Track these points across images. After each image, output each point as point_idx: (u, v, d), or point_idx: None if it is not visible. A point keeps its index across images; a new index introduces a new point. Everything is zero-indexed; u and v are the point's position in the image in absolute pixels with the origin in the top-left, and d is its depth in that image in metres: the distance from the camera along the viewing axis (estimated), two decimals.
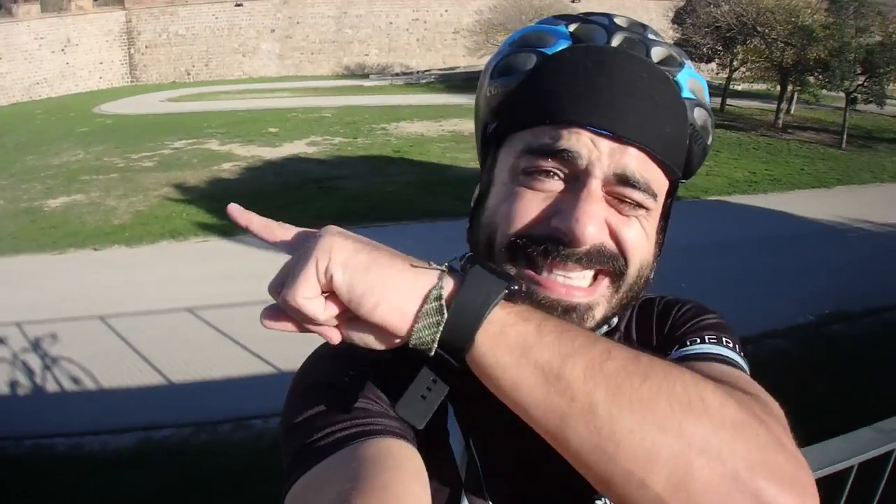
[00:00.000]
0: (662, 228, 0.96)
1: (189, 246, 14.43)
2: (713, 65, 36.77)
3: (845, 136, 26.08)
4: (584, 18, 0.91)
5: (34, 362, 9.33)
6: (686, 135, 0.89)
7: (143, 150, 23.89)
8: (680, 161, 0.90)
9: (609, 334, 1.04)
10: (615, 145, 0.83)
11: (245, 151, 23.59)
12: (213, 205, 17.02)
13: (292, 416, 0.84)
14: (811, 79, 28.29)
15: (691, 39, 33.29)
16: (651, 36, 0.90)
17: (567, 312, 0.85)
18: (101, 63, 46.91)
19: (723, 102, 33.50)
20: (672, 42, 0.94)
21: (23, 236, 15.01)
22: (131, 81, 48.27)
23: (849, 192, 20.05)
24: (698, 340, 1.04)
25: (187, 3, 47.97)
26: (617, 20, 0.91)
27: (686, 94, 0.89)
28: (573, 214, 0.81)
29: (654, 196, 0.87)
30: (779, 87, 30.09)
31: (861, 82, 26.33)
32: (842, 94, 27.07)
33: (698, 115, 0.90)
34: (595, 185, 0.83)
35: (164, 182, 19.60)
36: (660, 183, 0.88)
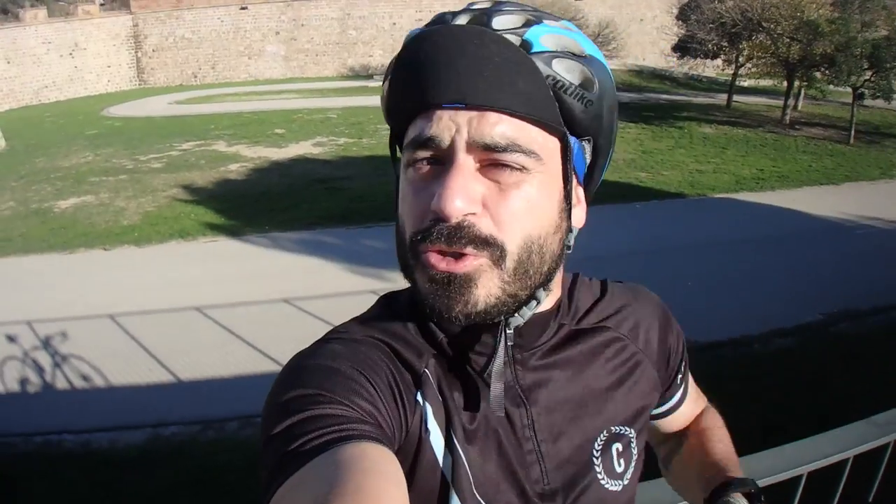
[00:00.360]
0: (567, 194, 0.95)
1: (197, 246, 14.47)
2: (719, 61, 36.60)
3: (853, 132, 25.81)
4: (450, 12, 0.94)
5: (44, 360, 9.38)
6: (546, 88, 0.88)
7: (152, 152, 23.94)
8: (552, 116, 0.89)
9: (588, 333, 1.10)
10: (472, 115, 0.85)
11: (252, 152, 23.61)
12: (220, 205, 17.11)
13: (269, 429, 0.82)
14: (818, 74, 27.99)
15: (696, 36, 33.16)
16: (503, 8, 0.91)
17: (449, 284, 0.87)
18: (108, 66, 47.00)
19: (729, 99, 33.41)
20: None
21: (33, 237, 15.07)
22: (139, 84, 48.33)
23: (857, 188, 19.92)
24: (684, 371, 1.27)
25: (193, 7, 48.02)
26: (478, 4, 0.93)
27: (538, 48, 0.88)
28: (440, 192, 0.84)
29: (531, 154, 0.87)
30: (785, 83, 29.81)
31: (868, 77, 25.98)
32: (849, 90, 26.85)
33: (563, 67, 0.89)
34: (460, 160, 0.85)
35: (173, 183, 19.64)
36: (539, 141, 0.88)
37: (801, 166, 21.87)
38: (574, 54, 0.91)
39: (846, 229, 15.22)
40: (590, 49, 0.94)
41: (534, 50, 0.88)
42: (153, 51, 48.36)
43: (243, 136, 26.55)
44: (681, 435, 1.38)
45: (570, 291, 1.11)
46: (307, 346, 0.99)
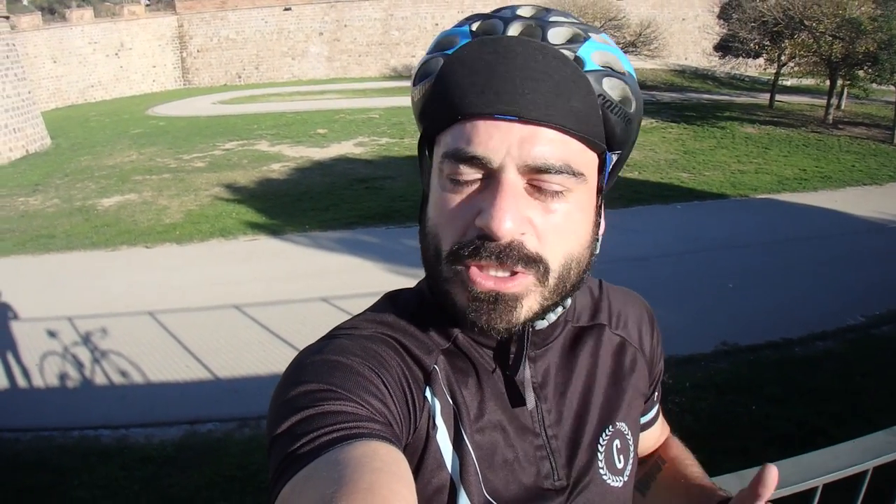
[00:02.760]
0: (599, 207, 0.97)
1: (238, 244, 14.56)
2: (761, 60, 36.22)
3: None
4: (489, 15, 0.94)
5: (84, 356, 9.47)
6: (596, 106, 0.88)
7: (195, 152, 24.25)
8: (598, 133, 0.90)
9: (588, 330, 1.12)
10: (525, 130, 0.84)
11: (294, 152, 23.77)
12: (262, 204, 17.23)
13: (276, 425, 0.82)
14: (861, 73, 27.57)
15: (738, 35, 32.84)
16: (553, 18, 0.92)
17: (496, 302, 0.88)
18: (153, 67, 47.65)
19: (772, 98, 33.03)
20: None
21: (76, 234, 15.26)
22: (184, 84, 48.93)
23: None
24: (659, 384, 1.27)
25: (237, 8, 48.46)
26: (520, 10, 0.93)
27: (590, 66, 0.89)
28: (490, 211, 0.83)
29: (577, 174, 0.88)
30: (828, 82, 29.36)
31: None
32: (892, 88, 26.44)
33: (610, 85, 0.90)
34: (510, 179, 0.85)
35: (215, 182, 19.81)
36: (583, 159, 0.89)
37: (845, 166, 21.48)
38: (616, 71, 0.92)
39: (889, 230, 14.92)
40: (626, 65, 0.95)
41: (587, 68, 0.89)
42: (198, 51, 48.95)
43: (286, 135, 26.76)
44: (654, 458, 1.40)
45: None
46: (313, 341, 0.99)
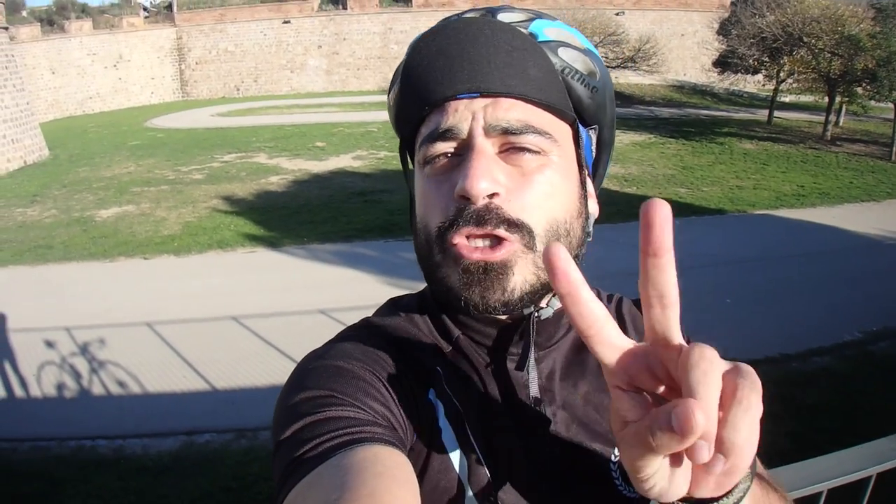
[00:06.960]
0: (583, 180, 0.98)
1: (236, 256, 14.55)
2: (759, 76, 36.28)
3: (895, 149, 25.41)
4: (454, 14, 0.96)
5: (81, 366, 9.43)
6: (555, 73, 0.91)
7: (193, 164, 24.25)
8: (562, 101, 0.92)
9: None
10: (488, 102, 0.87)
11: (292, 165, 23.79)
12: (260, 217, 17.23)
13: (280, 432, 0.83)
14: (859, 89, 27.65)
15: (737, 51, 32.85)
16: (507, 7, 0.95)
17: (486, 272, 0.88)
18: (152, 78, 47.74)
19: (770, 115, 33.11)
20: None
21: (74, 245, 15.22)
22: (182, 97, 48.99)
23: None
24: None
25: (236, 21, 48.57)
26: (479, 7, 0.97)
27: (544, 38, 0.92)
28: (464, 174, 0.85)
29: (547, 136, 0.89)
30: (826, 99, 29.45)
31: None
32: (890, 105, 26.47)
33: (568, 55, 0.93)
34: (480, 144, 0.87)
35: (213, 194, 19.80)
36: (552, 125, 0.91)
37: (842, 183, 21.52)
38: (570, 44, 0.95)
39: (887, 247, 14.93)
40: (586, 44, 0.97)
41: (540, 39, 0.92)
42: (196, 63, 49.02)
43: (284, 148, 26.78)
44: None
45: None
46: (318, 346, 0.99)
